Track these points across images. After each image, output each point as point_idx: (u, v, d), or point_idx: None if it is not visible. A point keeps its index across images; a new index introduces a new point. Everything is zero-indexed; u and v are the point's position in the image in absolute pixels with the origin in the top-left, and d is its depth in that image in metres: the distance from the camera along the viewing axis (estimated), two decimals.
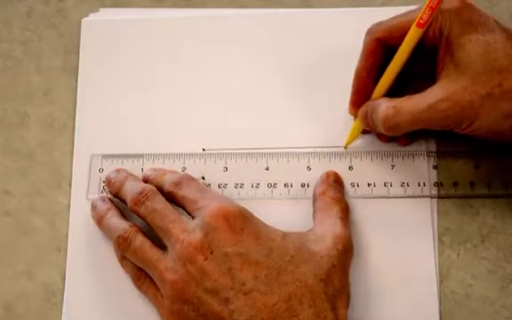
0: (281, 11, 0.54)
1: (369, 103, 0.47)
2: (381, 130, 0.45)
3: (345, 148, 0.49)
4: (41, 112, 0.52)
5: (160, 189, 0.46)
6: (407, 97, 0.44)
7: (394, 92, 0.46)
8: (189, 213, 0.44)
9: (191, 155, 0.50)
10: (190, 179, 0.46)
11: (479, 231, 0.47)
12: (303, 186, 0.48)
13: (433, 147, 0.49)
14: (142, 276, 0.45)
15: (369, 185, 0.48)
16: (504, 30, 0.43)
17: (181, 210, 0.45)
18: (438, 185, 0.48)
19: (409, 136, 0.48)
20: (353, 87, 0.48)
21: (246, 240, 0.41)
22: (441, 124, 0.43)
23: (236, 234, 0.41)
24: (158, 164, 0.49)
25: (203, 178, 0.49)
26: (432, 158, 0.48)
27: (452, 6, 0.44)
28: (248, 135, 0.50)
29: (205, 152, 0.50)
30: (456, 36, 0.43)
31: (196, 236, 0.41)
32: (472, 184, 0.48)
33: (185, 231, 0.42)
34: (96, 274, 0.47)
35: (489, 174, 0.48)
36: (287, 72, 0.52)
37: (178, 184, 0.46)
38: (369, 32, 0.47)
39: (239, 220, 0.42)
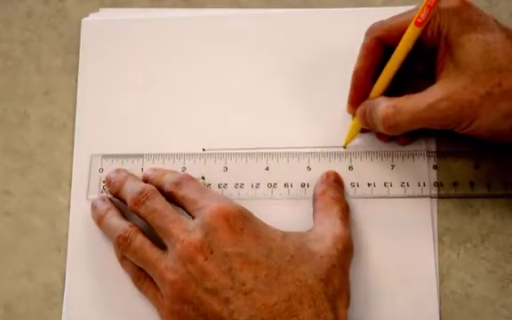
0: (281, 11, 0.54)
1: (367, 102, 0.47)
2: (381, 129, 0.45)
3: (344, 147, 0.49)
4: (41, 112, 0.52)
5: (160, 189, 0.46)
6: (407, 96, 0.44)
7: (393, 91, 0.46)
8: (189, 213, 0.44)
9: (191, 155, 0.50)
10: (190, 179, 0.46)
11: (479, 231, 0.47)
12: (303, 186, 0.48)
13: (433, 147, 0.49)
14: (142, 276, 0.45)
15: (369, 185, 0.48)
16: (503, 29, 0.43)
17: (181, 210, 0.45)
18: (438, 185, 0.48)
19: (409, 136, 0.48)
20: (351, 86, 0.48)
21: (246, 240, 0.41)
22: (440, 124, 0.43)
23: (236, 234, 0.41)
24: (158, 164, 0.49)
25: (203, 178, 0.49)
26: (432, 158, 0.48)
27: (451, 5, 0.44)
28: (248, 135, 0.50)
29: (205, 152, 0.50)
30: (455, 35, 0.43)
31: (196, 236, 0.41)
32: (472, 184, 0.48)
33: (185, 231, 0.42)
34: (96, 274, 0.47)
35: (489, 174, 0.48)
36: (287, 72, 0.52)
37: (178, 184, 0.46)
38: (368, 31, 0.47)
39: (239, 220, 0.42)
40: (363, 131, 0.49)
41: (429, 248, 0.47)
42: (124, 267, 0.46)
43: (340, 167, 0.48)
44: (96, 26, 0.54)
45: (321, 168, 0.48)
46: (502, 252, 0.47)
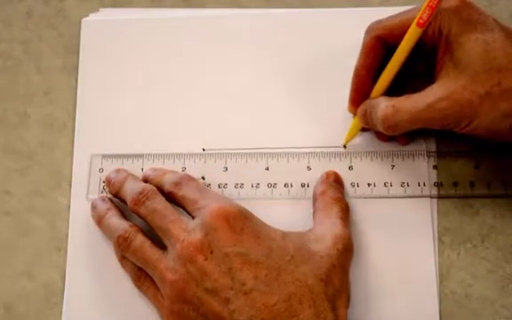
0: (281, 11, 0.54)
1: (368, 102, 0.47)
2: (380, 129, 0.45)
3: (344, 145, 0.49)
4: (41, 112, 0.52)
5: (160, 189, 0.46)
6: (406, 96, 0.44)
7: (393, 91, 0.46)
8: (189, 213, 0.44)
9: (191, 155, 0.50)
10: (190, 179, 0.46)
11: (479, 231, 0.47)
12: (303, 186, 0.48)
13: (433, 147, 0.49)
14: (142, 276, 0.45)
15: (369, 185, 0.48)
16: (503, 29, 0.43)
17: (181, 210, 0.45)
18: (438, 185, 0.48)
19: (408, 136, 0.48)
20: (352, 85, 0.48)
21: (246, 240, 0.41)
22: (440, 124, 0.43)
23: (236, 234, 0.41)
24: (158, 164, 0.49)
25: (203, 178, 0.49)
26: (432, 158, 0.48)
27: (451, 5, 0.43)
28: (248, 135, 0.50)
29: (205, 152, 0.50)
30: (455, 34, 0.43)
31: (196, 236, 0.41)
32: (472, 184, 0.48)
33: (185, 231, 0.42)
34: (96, 274, 0.47)
35: (489, 174, 0.48)
36: (287, 72, 0.52)
37: (178, 184, 0.46)
38: (369, 30, 0.47)
39: (239, 220, 0.42)
40: (363, 129, 0.49)
41: (429, 248, 0.47)
42: (124, 267, 0.46)
43: (340, 167, 0.48)
44: (96, 26, 0.54)
45: (321, 168, 0.48)
46: (502, 252, 0.47)
